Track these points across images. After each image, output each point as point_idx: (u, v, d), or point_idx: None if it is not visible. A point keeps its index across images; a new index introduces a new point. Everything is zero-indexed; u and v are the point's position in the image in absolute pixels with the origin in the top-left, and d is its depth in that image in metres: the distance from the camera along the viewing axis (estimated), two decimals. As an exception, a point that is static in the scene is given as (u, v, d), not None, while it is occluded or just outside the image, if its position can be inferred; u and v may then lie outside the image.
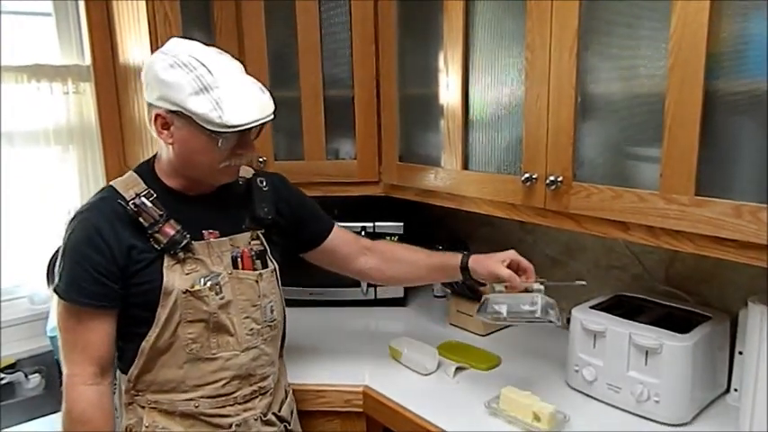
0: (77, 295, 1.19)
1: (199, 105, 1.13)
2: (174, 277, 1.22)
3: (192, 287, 1.22)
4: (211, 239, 1.28)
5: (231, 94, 1.15)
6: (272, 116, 1.23)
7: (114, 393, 1.32)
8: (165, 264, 1.22)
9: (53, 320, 1.36)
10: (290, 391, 1.48)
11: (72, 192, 2.00)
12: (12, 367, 1.89)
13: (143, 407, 1.27)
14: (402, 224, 1.96)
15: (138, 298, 1.22)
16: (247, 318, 1.30)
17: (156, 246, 1.21)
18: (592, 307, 1.47)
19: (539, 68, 1.34)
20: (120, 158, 2.02)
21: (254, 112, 1.18)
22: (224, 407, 1.29)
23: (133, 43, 1.81)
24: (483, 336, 1.79)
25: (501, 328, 1.83)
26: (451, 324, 1.88)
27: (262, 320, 1.32)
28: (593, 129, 1.32)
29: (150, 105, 1.21)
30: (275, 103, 1.24)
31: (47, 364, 1.92)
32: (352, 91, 1.81)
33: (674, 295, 1.53)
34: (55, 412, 1.24)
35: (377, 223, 1.96)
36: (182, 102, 1.14)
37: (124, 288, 1.21)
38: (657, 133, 1.15)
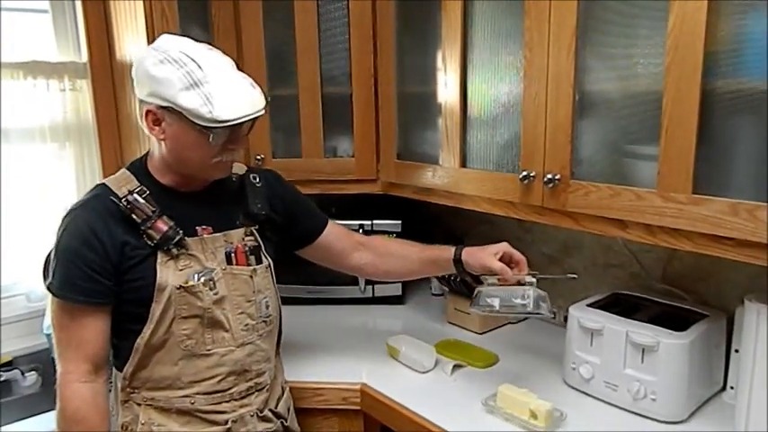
0: (71, 293, 1.19)
1: (189, 101, 1.14)
2: (168, 273, 1.22)
3: (186, 283, 1.23)
4: (205, 235, 1.28)
5: (221, 89, 1.16)
6: (263, 111, 1.23)
7: (110, 391, 1.32)
8: (159, 260, 1.22)
9: (50, 318, 1.36)
10: (287, 388, 1.48)
11: (69, 189, 2.00)
12: (8, 365, 1.89)
13: (139, 404, 1.27)
14: (400, 222, 1.96)
15: (131, 294, 1.22)
16: (242, 313, 1.30)
17: (150, 242, 1.21)
18: (589, 305, 1.47)
19: (537, 67, 1.34)
20: (117, 155, 2.02)
21: (244, 107, 1.18)
22: (220, 403, 1.29)
23: (130, 40, 1.81)
24: (480, 334, 1.80)
25: (498, 327, 1.84)
26: (449, 322, 1.88)
27: (257, 316, 1.32)
28: (590, 127, 1.32)
29: (141, 101, 1.22)
30: (270, 100, 1.25)
31: (43, 362, 1.91)
32: (350, 89, 1.80)
33: (671, 293, 1.54)
34: (52, 410, 1.23)
35: (375, 221, 1.96)
36: (172, 97, 1.14)
37: (118, 285, 1.21)
38: (655, 131, 1.15)
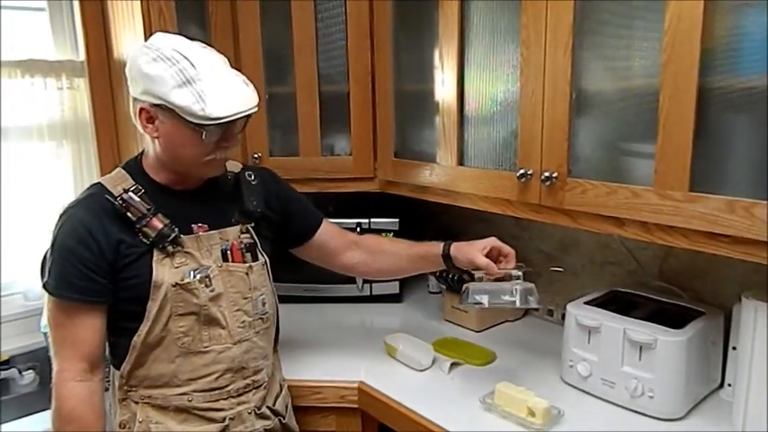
0: (67, 291, 1.19)
1: (182, 98, 1.14)
2: (164, 271, 1.22)
3: (182, 280, 1.23)
4: (200, 233, 1.29)
5: (214, 86, 1.16)
6: (256, 109, 1.23)
7: (108, 390, 1.32)
8: (155, 258, 1.22)
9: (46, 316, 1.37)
10: (285, 386, 1.48)
11: (66, 187, 1.99)
12: (6, 363, 1.89)
13: (136, 402, 1.27)
14: (397, 220, 1.96)
15: (127, 292, 1.22)
16: (238, 310, 1.30)
17: (145, 240, 1.22)
18: (586, 302, 1.47)
19: (534, 64, 1.34)
20: (115, 154, 2.02)
21: (237, 105, 1.18)
22: (217, 400, 1.29)
23: (128, 39, 1.81)
24: (478, 332, 1.80)
25: (496, 324, 1.84)
26: (446, 320, 1.88)
27: (253, 313, 1.32)
28: (587, 125, 1.32)
29: (135, 99, 1.22)
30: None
31: (41, 361, 1.91)
32: (348, 87, 1.80)
33: (668, 291, 1.54)
34: (49, 409, 1.23)
35: (372, 219, 1.96)
36: (165, 95, 1.15)
37: (113, 283, 1.21)
38: (652, 129, 1.16)
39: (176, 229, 1.24)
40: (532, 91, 1.35)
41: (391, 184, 1.83)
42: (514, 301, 1.36)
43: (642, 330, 1.31)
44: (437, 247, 1.46)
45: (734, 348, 1.37)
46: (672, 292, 1.53)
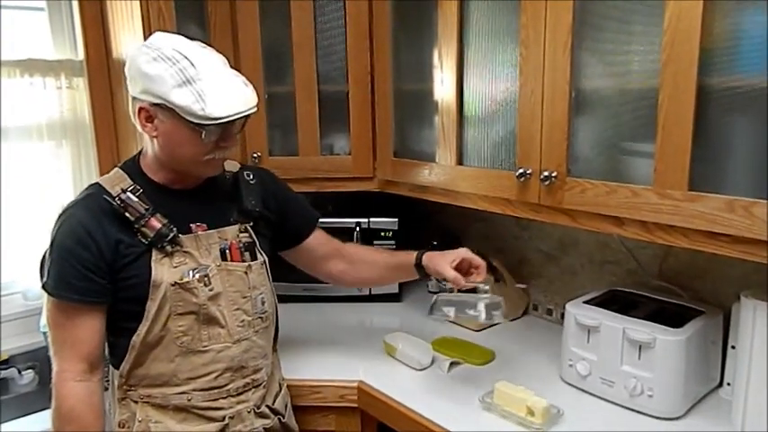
0: (66, 291, 1.19)
1: (181, 98, 1.14)
2: (163, 270, 1.22)
3: (181, 279, 1.23)
4: (199, 232, 1.29)
5: (214, 86, 1.16)
6: (255, 109, 1.23)
7: (107, 389, 1.32)
8: (154, 257, 1.22)
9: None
10: (285, 385, 1.48)
11: (66, 187, 1.99)
12: (5, 363, 1.89)
13: (136, 401, 1.27)
14: (397, 220, 1.96)
15: (126, 292, 1.22)
16: (238, 309, 1.30)
17: (144, 240, 1.22)
18: (586, 302, 1.47)
19: (533, 64, 1.34)
20: (114, 154, 2.02)
21: (236, 105, 1.18)
22: (217, 399, 1.29)
23: (127, 39, 1.81)
24: (477, 331, 1.80)
25: (495, 324, 1.84)
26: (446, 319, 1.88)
27: (252, 312, 1.33)
28: (587, 124, 1.32)
29: (134, 99, 1.22)
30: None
31: (40, 360, 1.91)
32: (347, 86, 1.80)
33: (667, 290, 1.54)
34: (49, 408, 1.24)
35: (371, 219, 1.96)
36: (164, 94, 1.15)
37: (112, 283, 1.21)
38: (651, 128, 1.16)
39: (175, 229, 1.24)
40: (532, 90, 1.35)
41: (390, 184, 1.83)
42: (478, 317, 1.38)
43: (641, 330, 1.32)
44: (410, 256, 1.48)
45: (733, 347, 1.37)
46: (671, 291, 1.53)
